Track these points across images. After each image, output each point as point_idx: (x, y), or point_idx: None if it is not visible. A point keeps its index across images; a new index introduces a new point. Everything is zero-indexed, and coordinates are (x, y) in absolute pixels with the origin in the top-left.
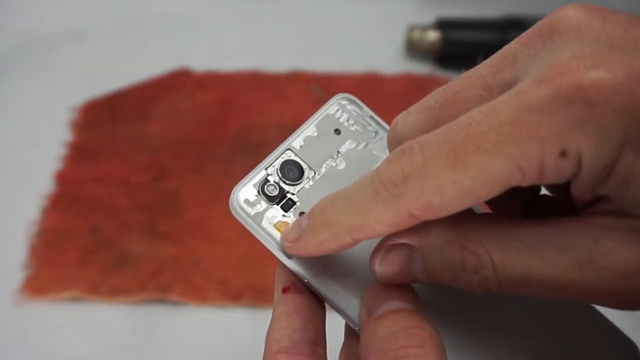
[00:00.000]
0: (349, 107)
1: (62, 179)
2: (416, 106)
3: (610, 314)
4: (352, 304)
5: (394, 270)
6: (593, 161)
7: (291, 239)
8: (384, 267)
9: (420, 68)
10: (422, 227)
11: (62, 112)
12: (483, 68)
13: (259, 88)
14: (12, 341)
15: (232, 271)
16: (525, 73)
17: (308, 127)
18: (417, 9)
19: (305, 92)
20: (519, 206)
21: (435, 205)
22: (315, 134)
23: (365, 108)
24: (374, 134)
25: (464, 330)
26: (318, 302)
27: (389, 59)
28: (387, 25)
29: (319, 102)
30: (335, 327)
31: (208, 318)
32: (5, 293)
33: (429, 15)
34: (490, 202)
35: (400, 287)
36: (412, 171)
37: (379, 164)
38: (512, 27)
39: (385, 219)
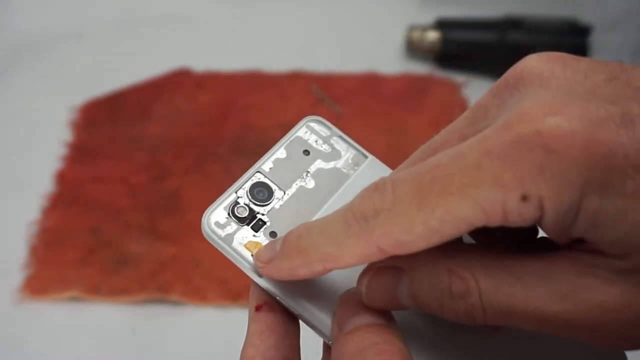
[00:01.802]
0: (317, 128)
1: (62, 179)
2: (403, 165)
3: None
4: (325, 320)
5: (381, 293)
6: (554, 206)
7: (264, 259)
8: (370, 289)
9: (420, 68)
10: None
11: (62, 112)
12: (460, 122)
13: (259, 88)
14: (12, 341)
15: (232, 271)
16: (494, 122)
17: (277, 149)
18: (417, 9)
19: (306, 92)
20: (515, 245)
21: (403, 242)
22: (284, 156)
23: (334, 128)
24: (342, 152)
25: (436, 342)
26: (291, 320)
27: (389, 59)
28: (387, 25)
29: (319, 102)
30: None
31: (208, 318)
32: (5, 293)
33: (429, 15)
34: (482, 239)
35: None
36: (383, 208)
37: (348, 181)
38: (511, 27)
39: (355, 251)
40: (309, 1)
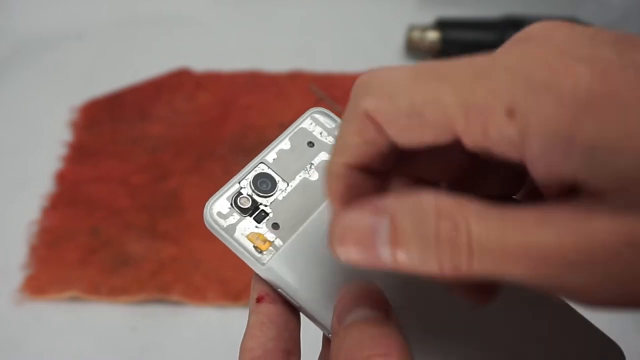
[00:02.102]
0: (322, 119)
1: (62, 179)
2: None
3: (603, 319)
4: (325, 312)
5: (355, 234)
6: (542, 125)
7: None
8: (342, 229)
9: None
10: (396, 190)
11: (62, 112)
12: None
13: (259, 88)
14: (12, 341)
15: (232, 271)
16: None
17: (282, 140)
18: (417, 9)
19: (306, 92)
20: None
21: (384, 109)
22: (289, 147)
23: (339, 120)
24: None
25: (437, 335)
26: (292, 312)
27: (389, 59)
28: (387, 25)
29: (319, 102)
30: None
31: (208, 318)
32: (5, 293)
33: (429, 15)
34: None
35: (371, 293)
36: (376, 77)
37: None
38: (511, 27)
39: (347, 124)
40: (309, 1)
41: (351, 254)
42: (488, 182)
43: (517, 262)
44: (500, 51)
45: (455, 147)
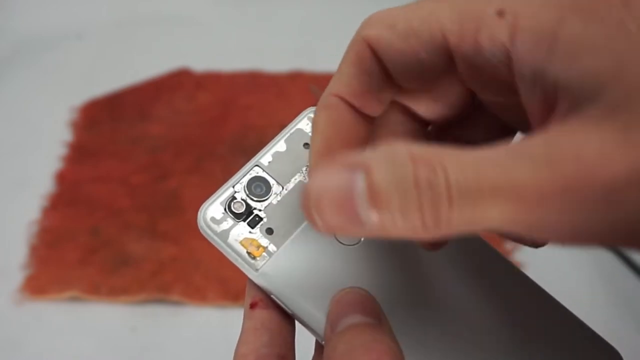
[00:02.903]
0: None
1: (62, 179)
2: None
3: (601, 319)
4: (318, 319)
5: (332, 194)
6: (528, 22)
7: None
8: (319, 190)
9: None
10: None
11: (62, 112)
12: None
13: (259, 88)
14: (12, 341)
15: (232, 271)
16: None
17: (277, 142)
18: None
19: (306, 92)
20: None
21: (381, 34)
22: (284, 149)
23: None
24: None
25: (431, 338)
26: (286, 318)
27: None
28: None
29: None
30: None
31: (208, 318)
32: (5, 293)
33: None
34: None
35: (363, 299)
36: (379, 12)
37: None
38: None
39: (346, 55)
40: (309, 1)
41: (330, 220)
42: (477, 130)
43: (495, 204)
44: None
45: (447, 80)
